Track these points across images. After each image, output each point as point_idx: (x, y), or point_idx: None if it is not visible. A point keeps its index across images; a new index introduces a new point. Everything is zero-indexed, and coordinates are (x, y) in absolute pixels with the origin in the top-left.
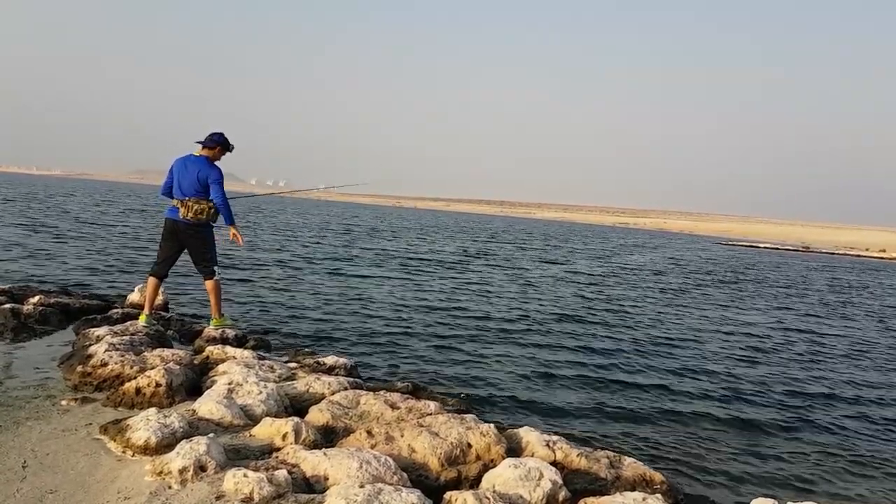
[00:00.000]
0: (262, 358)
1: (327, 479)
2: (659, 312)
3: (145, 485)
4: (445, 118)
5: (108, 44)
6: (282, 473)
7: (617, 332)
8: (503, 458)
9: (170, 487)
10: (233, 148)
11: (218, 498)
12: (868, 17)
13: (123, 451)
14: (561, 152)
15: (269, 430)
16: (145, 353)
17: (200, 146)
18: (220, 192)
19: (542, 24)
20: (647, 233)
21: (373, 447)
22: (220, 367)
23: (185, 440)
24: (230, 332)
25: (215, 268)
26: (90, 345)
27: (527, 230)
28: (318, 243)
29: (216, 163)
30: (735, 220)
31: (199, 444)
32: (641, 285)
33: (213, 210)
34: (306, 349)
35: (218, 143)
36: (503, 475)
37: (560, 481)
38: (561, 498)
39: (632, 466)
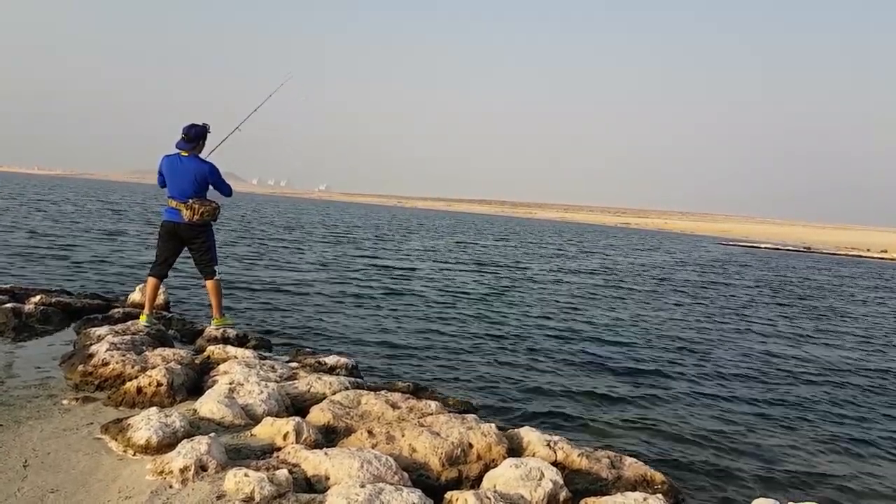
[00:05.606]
0: (263, 358)
1: (328, 478)
2: (660, 313)
3: (146, 484)
4: (445, 118)
5: (108, 44)
6: (283, 473)
7: (618, 333)
8: (504, 458)
9: (171, 487)
10: (210, 128)
11: (219, 497)
12: (869, 16)
13: (124, 451)
14: (561, 152)
15: (270, 429)
16: (146, 353)
17: (185, 147)
18: (227, 185)
19: (544, 24)
20: (655, 233)
21: (374, 447)
22: (221, 367)
23: (186, 440)
24: (231, 332)
25: (216, 267)
26: (91, 344)
27: (536, 230)
28: (320, 245)
29: (202, 154)
30: (735, 220)
31: (201, 444)
32: (643, 286)
33: (216, 209)
34: (307, 349)
35: (200, 136)
36: (504, 475)
37: (561, 481)
38: (562, 498)
39: (633, 466)
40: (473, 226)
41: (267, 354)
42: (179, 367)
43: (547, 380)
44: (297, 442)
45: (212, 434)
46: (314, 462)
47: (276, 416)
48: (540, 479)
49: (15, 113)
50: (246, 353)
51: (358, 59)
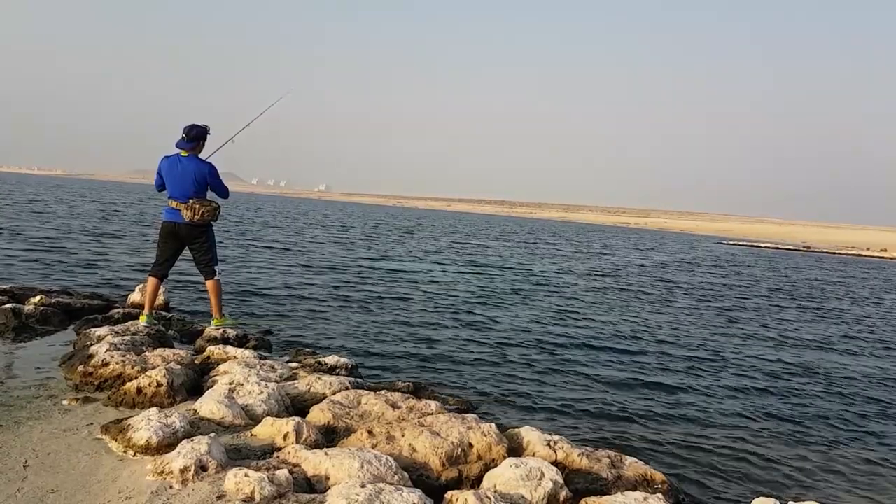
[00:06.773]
0: (262, 358)
1: (328, 478)
2: (661, 314)
3: (146, 484)
4: (444, 118)
5: (108, 44)
6: (283, 473)
7: (618, 332)
8: (504, 458)
9: (171, 487)
10: (210, 130)
11: (219, 497)
12: (869, 16)
13: (125, 451)
14: (561, 152)
15: (271, 429)
16: (146, 353)
17: (185, 147)
18: (224, 187)
19: (541, 24)
20: (655, 233)
21: (374, 447)
22: (221, 367)
23: (186, 440)
24: (231, 332)
25: (216, 267)
26: (91, 345)
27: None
28: (319, 245)
29: (201, 154)
30: (735, 219)
31: (201, 444)
32: (643, 286)
33: (216, 209)
34: (307, 349)
35: (200, 137)
36: (504, 475)
37: (561, 481)
38: (562, 497)
39: (633, 466)
40: (472, 226)
41: (267, 355)
42: (179, 367)
43: (547, 380)
44: (298, 442)
45: (212, 434)
46: (314, 462)
47: (276, 417)
48: (540, 478)
49: (14, 113)
50: (246, 354)
51: (358, 59)
